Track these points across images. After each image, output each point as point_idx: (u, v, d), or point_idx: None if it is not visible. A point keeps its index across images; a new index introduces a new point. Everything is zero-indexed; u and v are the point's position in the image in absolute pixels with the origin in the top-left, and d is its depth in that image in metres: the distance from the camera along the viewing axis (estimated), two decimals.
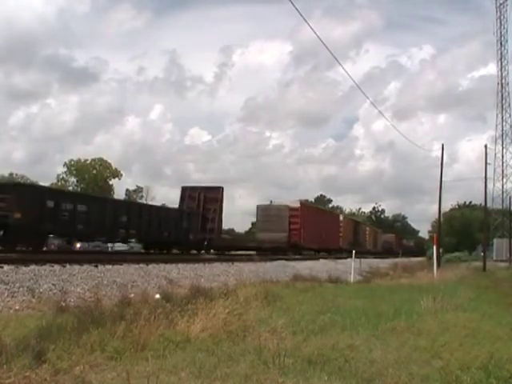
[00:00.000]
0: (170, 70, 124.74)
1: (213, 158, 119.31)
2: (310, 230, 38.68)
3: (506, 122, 66.88)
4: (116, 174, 65.97)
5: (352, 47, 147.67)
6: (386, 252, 68.23)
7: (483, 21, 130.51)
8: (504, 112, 66.71)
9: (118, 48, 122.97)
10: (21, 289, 10.17)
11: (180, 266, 16.97)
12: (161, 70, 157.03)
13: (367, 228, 65.90)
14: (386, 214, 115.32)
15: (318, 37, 14.90)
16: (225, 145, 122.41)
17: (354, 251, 23.73)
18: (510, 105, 67.04)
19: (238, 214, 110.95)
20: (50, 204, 18.26)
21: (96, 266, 13.78)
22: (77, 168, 63.61)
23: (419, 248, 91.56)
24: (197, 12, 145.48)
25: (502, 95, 66.69)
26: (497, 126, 67.55)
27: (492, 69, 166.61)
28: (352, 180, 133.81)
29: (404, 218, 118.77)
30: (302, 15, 12.52)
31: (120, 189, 68.69)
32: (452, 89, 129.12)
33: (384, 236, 76.95)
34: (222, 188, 30.52)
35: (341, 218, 49.42)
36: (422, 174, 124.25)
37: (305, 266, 25.23)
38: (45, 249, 20.33)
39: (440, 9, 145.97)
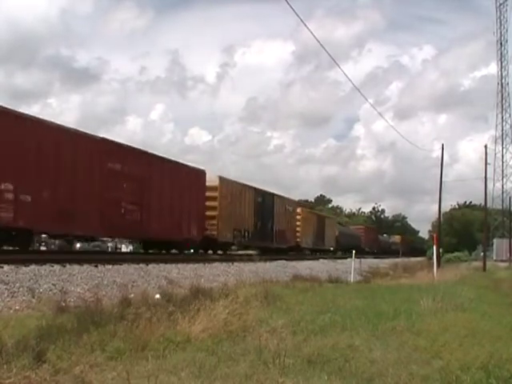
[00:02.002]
0: (171, 70, 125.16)
1: (214, 157, 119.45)
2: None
3: (506, 122, 67.07)
4: None
5: (354, 47, 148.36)
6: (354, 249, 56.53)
7: (485, 21, 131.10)
8: (504, 112, 66.86)
9: (120, 48, 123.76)
10: (21, 289, 10.16)
11: (180, 266, 16.96)
12: (163, 70, 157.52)
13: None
14: (386, 214, 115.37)
15: (317, 40, 14.92)
16: (226, 145, 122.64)
17: (354, 251, 23.68)
18: (510, 105, 67.18)
19: None
20: None
21: (96, 266, 13.77)
22: None
23: (408, 246, 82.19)
24: (199, 12, 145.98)
25: (502, 95, 66.90)
26: (497, 126, 67.75)
27: (493, 69, 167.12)
28: (352, 180, 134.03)
29: (404, 218, 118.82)
30: (300, 18, 12.55)
31: None
32: (454, 89, 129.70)
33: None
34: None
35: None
36: (423, 174, 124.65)
37: (305, 266, 25.25)
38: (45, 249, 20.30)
39: (441, 9, 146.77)
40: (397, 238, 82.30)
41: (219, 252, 26.95)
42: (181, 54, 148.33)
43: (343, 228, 59.84)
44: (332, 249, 47.70)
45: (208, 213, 24.96)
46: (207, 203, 24.90)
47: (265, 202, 31.80)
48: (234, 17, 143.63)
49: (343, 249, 50.65)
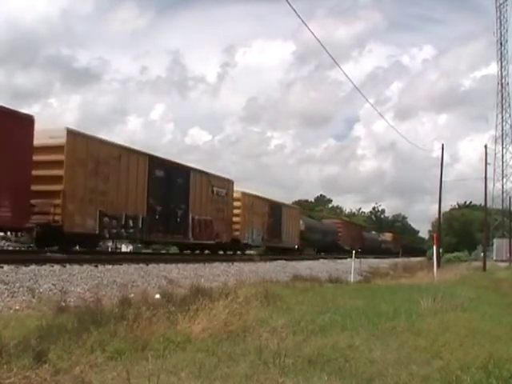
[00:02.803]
0: (172, 70, 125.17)
1: (214, 157, 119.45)
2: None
3: (506, 122, 67.04)
4: None
5: (355, 47, 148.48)
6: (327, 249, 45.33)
7: (485, 20, 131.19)
8: (504, 112, 66.85)
9: (121, 48, 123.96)
10: (21, 289, 10.16)
11: (180, 266, 16.97)
12: (163, 70, 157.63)
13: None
14: (386, 214, 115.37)
15: (318, 40, 14.91)
16: (226, 145, 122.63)
17: (354, 251, 23.60)
18: (510, 105, 67.16)
19: None
20: None
21: (96, 266, 13.77)
22: None
23: (402, 245, 74.07)
24: (200, 11, 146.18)
25: (502, 95, 66.91)
26: (497, 126, 67.74)
27: (494, 69, 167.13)
28: (353, 180, 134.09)
29: (404, 217, 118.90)
30: (300, 18, 12.52)
31: None
32: (454, 89, 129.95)
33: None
34: None
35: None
36: (423, 174, 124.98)
37: (305, 266, 25.26)
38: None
39: (442, 9, 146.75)
40: (388, 236, 74.67)
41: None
42: (181, 53, 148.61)
43: (312, 221, 47.49)
44: (296, 247, 38.49)
45: (44, 187, 15.62)
46: (42, 171, 15.50)
47: (170, 178, 22.17)
48: (234, 17, 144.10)
49: (314, 247, 42.90)
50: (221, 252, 27.85)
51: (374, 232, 74.49)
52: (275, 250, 34.31)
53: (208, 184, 25.61)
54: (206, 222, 25.14)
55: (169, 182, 22.15)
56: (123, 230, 19.48)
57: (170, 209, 22.29)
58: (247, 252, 31.28)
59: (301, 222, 40.66)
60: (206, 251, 27.03)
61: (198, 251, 26.59)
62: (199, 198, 24.70)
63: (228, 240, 27.53)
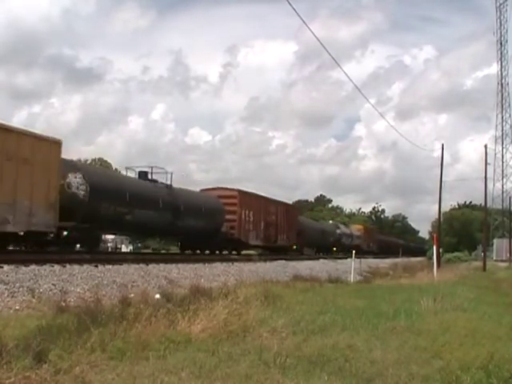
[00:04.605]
0: (174, 70, 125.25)
1: (215, 157, 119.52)
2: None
3: (506, 122, 67.06)
4: None
5: (357, 47, 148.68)
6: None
7: (486, 21, 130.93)
8: (504, 112, 66.88)
9: (123, 48, 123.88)
10: (21, 289, 10.16)
11: (180, 266, 16.98)
12: (165, 70, 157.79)
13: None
14: (386, 214, 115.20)
15: (318, 40, 14.89)
16: (227, 144, 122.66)
17: (354, 251, 23.60)
18: (510, 105, 67.18)
19: None
20: None
21: (96, 266, 13.78)
22: None
23: (376, 241, 60.92)
24: (202, 11, 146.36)
25: (502, 95, 66.94)
26: (497, 126, 67.77)
27: (495, 69, 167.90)
28: (353, 180, 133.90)
29: (404, 218, 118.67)
30: (301, 18, 12.50)
31: None
32: (455, 89, 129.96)
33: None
34: None
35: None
36: (424, 173, 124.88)
37: (305, 266, 25.26)
38: None
39: (443, 9, 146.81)
40: (355, 229, 57.07)
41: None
42: (183, 53, 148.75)
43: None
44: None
45: None
46: None
47: None
48: (236, 17, 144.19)
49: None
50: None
51: (331, 221, 57.09)
52: (272, 250, 33.87)
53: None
54: None
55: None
56: None
57: None
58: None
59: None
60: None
61: None
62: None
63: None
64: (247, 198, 30.83)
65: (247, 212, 30.29)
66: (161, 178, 24.11)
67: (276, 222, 34.31)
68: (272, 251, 33.72)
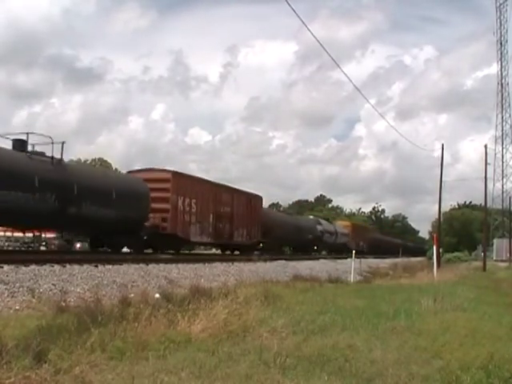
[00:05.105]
0: (174, 70, 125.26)
1: (215, 157, 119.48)
2: None
3: (506, 122, 67.09)
4: None
5: (358, 47, 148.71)
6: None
7: (486, 21, 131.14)
8: (504, 112, 66.90)
9: (123, 48, 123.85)
10: (21, 289, 10.16)
11: (180, 266, 16.97)
12: (165, 70, 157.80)
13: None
14: (386, 214, 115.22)
15: (318, 40, 14.90)
16: (227, 144, 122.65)
17: (354, 251, 23.58)
18: (510, 105, 67.21)
19: None
20: None
21: (96, 266, 13.77)
22: None
23: (360, 239, 53.49)
24: (202, 11, 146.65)
25: (502, 95, 66.98)
26: (497, 126, 67.81)
27: (495, 69, 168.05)
28: (353, 180, 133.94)
29: (404, 218, 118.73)
30: (300, 18, 12.52)
31: None
32: (455, 89, 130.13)
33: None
34: None
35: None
36: (424, 173, 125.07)
37: (305, 266, 25.25)
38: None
39: (443, 9, 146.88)
40: (341, 226, 52.29)
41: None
42: (184, 53, 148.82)
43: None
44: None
45: None
46: None
47: None
48: (237, 17, 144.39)
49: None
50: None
51: (311, 217, 50.36)
52: (227, 249, 29.94)
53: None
54: None
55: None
56: None
57: None
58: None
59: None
60: None
61: None
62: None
63: None
64: (186, 183, 24.45)
65: (187, 200, 24.04)
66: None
67: (231, 214, 28.20)
68: (226, 250, 29.67)
